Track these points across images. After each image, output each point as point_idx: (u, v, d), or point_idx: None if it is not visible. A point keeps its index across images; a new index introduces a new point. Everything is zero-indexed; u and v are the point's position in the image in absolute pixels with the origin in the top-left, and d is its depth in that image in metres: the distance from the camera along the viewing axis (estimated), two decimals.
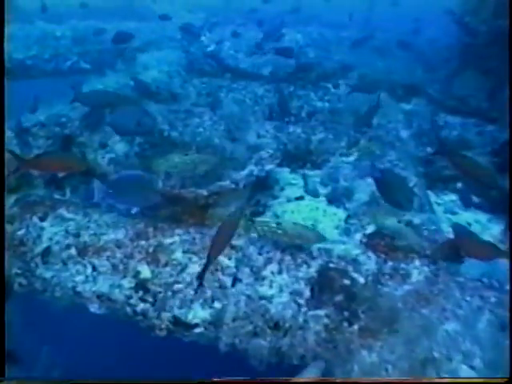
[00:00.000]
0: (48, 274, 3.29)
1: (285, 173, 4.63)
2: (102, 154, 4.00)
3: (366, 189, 4.33)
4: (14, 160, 3.20)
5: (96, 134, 4.24)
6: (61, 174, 4.04)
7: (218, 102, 5.91)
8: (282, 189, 4.48)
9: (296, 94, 6.15)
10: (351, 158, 4.82)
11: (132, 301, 3.07)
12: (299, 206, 4.29)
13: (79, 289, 3.19)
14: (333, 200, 4.37)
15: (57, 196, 3.88)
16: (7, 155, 3.22)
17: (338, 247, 3.65)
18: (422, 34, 9.68)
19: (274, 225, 3.34)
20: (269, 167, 3.90)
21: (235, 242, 3.20)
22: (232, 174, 3.79)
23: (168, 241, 3.22)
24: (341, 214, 4.22)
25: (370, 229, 3.77)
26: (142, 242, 3.23)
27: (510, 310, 2.63)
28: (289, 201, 4.34)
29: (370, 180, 4.41)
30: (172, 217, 3.47)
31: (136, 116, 3.88)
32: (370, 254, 3.45)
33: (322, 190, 4.48)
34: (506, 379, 2.22)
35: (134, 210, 3.66)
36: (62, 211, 3.52)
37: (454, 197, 4.83)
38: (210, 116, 4.83)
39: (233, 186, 3.59)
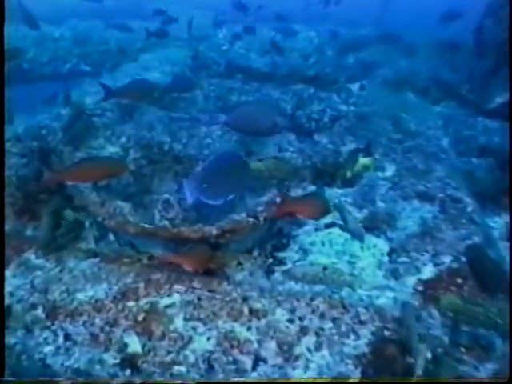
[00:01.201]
0: (11, 340, 2.37)
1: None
2: None
3: (412, 214, 3.37)
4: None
5: (81, 149, 3.32)
6: (102, 183, 3.15)
7: (228, 108, 4.97)
8: None
9: (317, 97, 5.18)
10: (388, 173, 3.84)
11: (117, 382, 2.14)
12: (330, 236, 3.33)
13: (49, 361, 2.28)
14: (371, 227, 3.41)
15: (28, 232, 2.97)
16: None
17: (386, 297, 2.70)
18: (450, 29, 8.61)
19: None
20: (296, 190, 2.95)
21: (255, 303, 2.25)
22: (249, 202, 2.85)
23: (164, 302, 2.29)
24: (382, 244, 3.26)
25: (427, 272, 2.81)
26: (130, 304, 2.30)
27: (510, 310, 2.33)
28: (317, 229, 3.38)
29: (416, 202, 3.46)
30: (168, 270, 2.53)
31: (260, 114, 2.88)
32: (433, 310, 2.50)
33: (357, 214, 3.52)
34: (506, 379, 2.05)
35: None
36: (29, 255, 2.62)
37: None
38: (220, 125, 3.88)
39: (250, 220, 2.64)
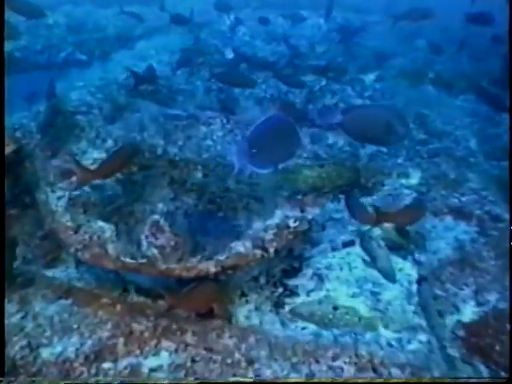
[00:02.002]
0: None
1: (326, 204, 3.11)
2: (60, 192, 2.53)
3: (445, 233, 2.82)
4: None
5: (59, 155, 2.77)
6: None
7: (232, 102, 4.40)
8: (323, 227, 2.97)
9: (329, 89, 4.59)
10: (414, 181, 3.28)
11: None
12: (349, 257, 2.79)
13: None
14: (395, 246, 2.87)
15: None
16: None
17: (418, 341, 2.17)
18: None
19: None
20: (310, 209, 2.39)
21: (263, 367, 1.73)
22: (255, 222, 2.30)
23: (149, 363, 1.77)
24: (409, 269, 2.73)
25: (468, 312, 2.27)
26: (106, 366, 1.77)
27: (510, 307, 2.19)
28: (334, 248, 2.84)
29: (449, 219, 2.91)
30: (156, 314, 1.99)
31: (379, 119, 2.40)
32: (481, 367, 1.97)
33: (378, 230, 2.98)
34: (506, 379, 1.94)
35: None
36: None
37: None
38: (222, 123, 3.32)
39: (258, 252, 2.10)
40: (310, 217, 2.29)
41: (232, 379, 1.85)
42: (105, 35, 7.03)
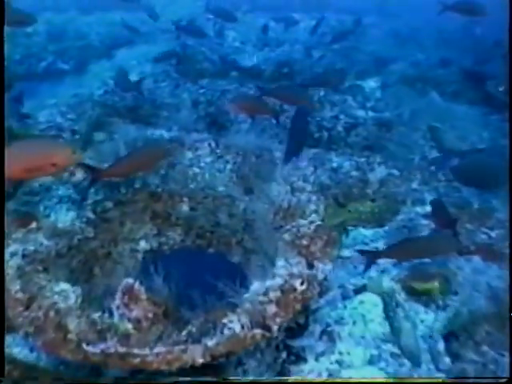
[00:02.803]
0: None
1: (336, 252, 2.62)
2: (15, 246, 2.02)
3: (473, 277, 2.35)
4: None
5: (15, 196, 2.27)
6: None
7: (222, 117, 3.91)
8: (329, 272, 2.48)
9: (329, 100, 4.11)
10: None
11: None
12: (363, 307, 2.32)
13: None
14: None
15: None
16: None
17: None
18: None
19: None
20: (320, 264, 1.91)
21: None
22: (252, 282, 1.81)
23: None
24: (432, 321, 2.26)
25: None
26: None
27: (510, 310, 1.98)
28: (345, 297, 2.37)
29: (478, 260, 2.45)
30: None
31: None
32: None
33: (394, 270, 2.51)
34: (506, 379, 1.80)
35: None
36: None
37: None
38: (211, 147, 2.83)
39: (258, 332, 1.61)
40: (321, 275, 1.81)
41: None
42: (87, 43, 6.51)
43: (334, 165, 2.94)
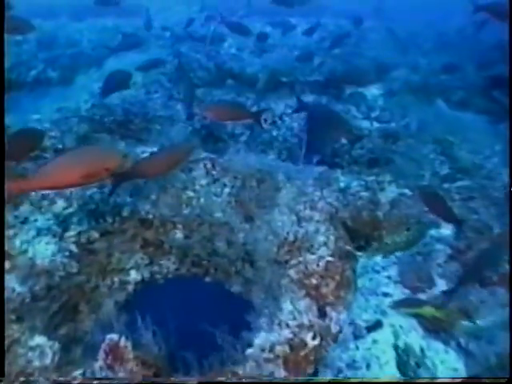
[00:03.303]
0: None
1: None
2: None
3: (498, 310, 2.09)
4: None
5: None
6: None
7: (219, 130, 3.65)
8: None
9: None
10: (446, 231, 2.56)
11: None
12: (377, 347, 2.06)
13: None
14: (432, 327, 2.15)
15: None
16: None
17: None
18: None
19: None
20: (333, 312, 1.65)
21: None
22: (255, 336, 1.55)
23: None
24: (454, 361, 2.01)
25: None
26: None
27: (510, 309, 1.94)
28: (357, 336, 2.10)
29: (502, 292, 2.19)
30: None
31: None
32: None
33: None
34: (506, 379, 1.71)
35: None
36: None
37: None
38: (206, 168, 2.56)
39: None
40: (335, 327, 1.55)
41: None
42: (78, 51, 6.22)
43: (342, 185, 2.68)
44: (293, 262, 1.93)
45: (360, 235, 2.53)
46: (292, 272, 1.90)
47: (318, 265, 1.83)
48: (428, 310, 2.14)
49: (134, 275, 2.40)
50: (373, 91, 4.71)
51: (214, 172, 2.50)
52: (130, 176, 2.02)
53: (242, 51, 5.59)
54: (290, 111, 3.84)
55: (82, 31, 6.60)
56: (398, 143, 3.60)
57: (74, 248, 2.15)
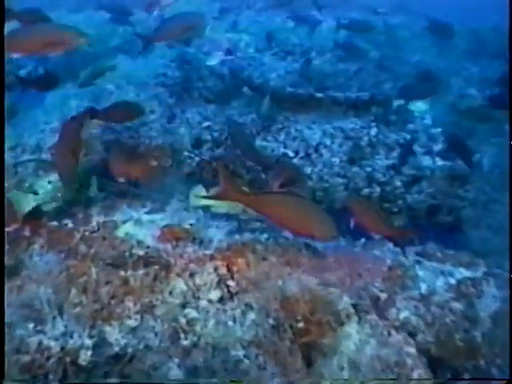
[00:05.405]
0: None
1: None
2: None
3: None
4: None
5: None
6: None
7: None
8: None
9: (382, 141, 2.76)
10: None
11: None
12: None
13: None
14: None
15: None
16: None
17: None
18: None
19: None
20: None
21: None
22: None
23: None
24: None
25: None
26: None
27: (510, 308, 1.83)
28: None
29: None
30: None
31: None
32: None
33: None
34: (506, 380, 1.71)
35: None
36: None
37: None
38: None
39: None
40: None
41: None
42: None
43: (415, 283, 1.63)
44: None
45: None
46: None
47: None
48: None
49: None
50: (421, 107, 3.59)
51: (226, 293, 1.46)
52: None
53: (262, 53, 4.44)
54: (327, 141, 2.76)
55: (78, 24, 5.48)
56: (465, 186, 2.55)
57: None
